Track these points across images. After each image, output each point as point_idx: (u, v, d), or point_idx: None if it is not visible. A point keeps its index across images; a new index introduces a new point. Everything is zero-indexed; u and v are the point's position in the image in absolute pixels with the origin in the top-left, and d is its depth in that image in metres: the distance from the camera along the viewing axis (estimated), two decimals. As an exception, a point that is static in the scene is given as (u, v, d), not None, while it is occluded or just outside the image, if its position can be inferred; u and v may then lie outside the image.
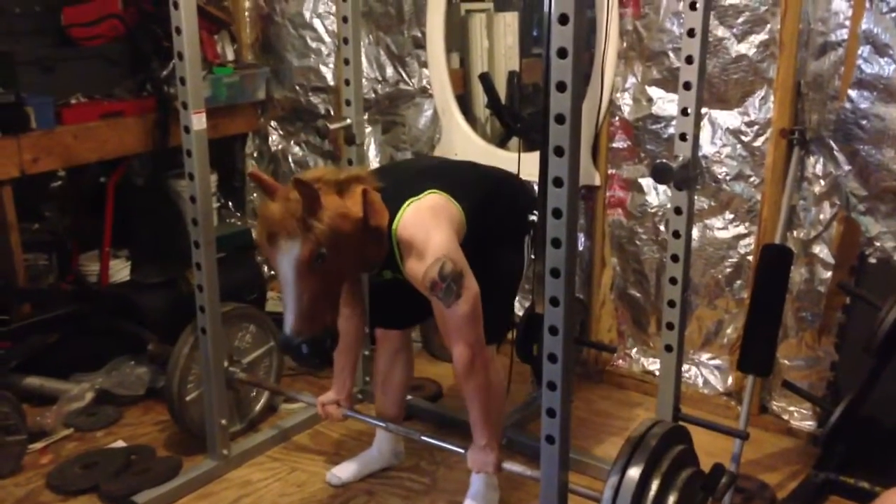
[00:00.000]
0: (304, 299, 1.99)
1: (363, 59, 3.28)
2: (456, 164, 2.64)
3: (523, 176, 2.51)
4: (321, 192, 2.01)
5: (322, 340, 2.05)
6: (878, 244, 2.67)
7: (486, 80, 3.46)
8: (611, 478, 1.74)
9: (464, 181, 2.31)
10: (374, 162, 3.67)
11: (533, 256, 2.42)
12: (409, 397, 3.06)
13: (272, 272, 4.10)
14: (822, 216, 2.77)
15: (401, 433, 2.60)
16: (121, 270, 3.61)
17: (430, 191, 2.18)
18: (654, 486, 1.73)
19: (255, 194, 4.14)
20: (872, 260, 2.68)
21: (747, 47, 2.77)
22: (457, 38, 3.51)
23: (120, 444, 2.89)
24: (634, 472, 1.72)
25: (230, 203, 4.21)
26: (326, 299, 2.04)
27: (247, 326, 2.96)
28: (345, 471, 2.69)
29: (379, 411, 2.69)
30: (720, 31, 2.79)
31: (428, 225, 2.11)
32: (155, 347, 3.06)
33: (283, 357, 3.11)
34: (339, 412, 2.56)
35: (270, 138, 4.07)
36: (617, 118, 3.08)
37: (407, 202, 2.14)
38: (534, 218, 2.41)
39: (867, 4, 2.53)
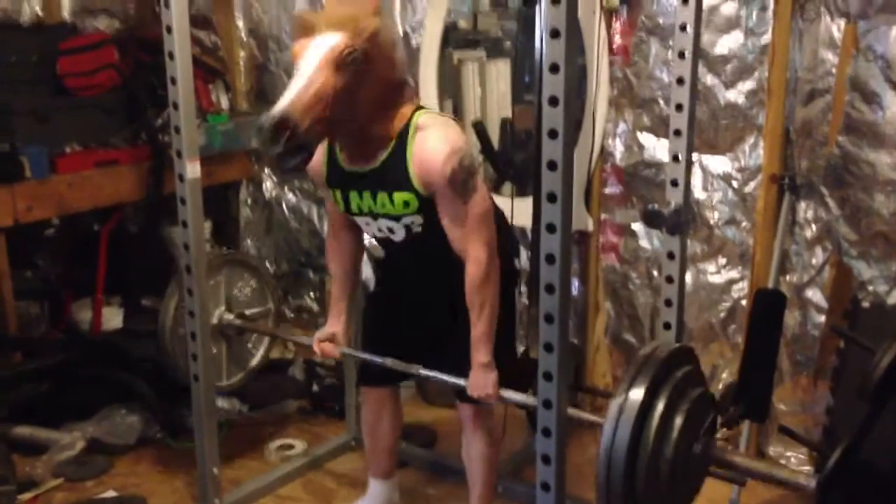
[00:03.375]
0: (311, 90, 1.89)
1: (357, 106, 3.30)
2: None
3: (517, 222, 2.52)
4: None
5: (298, 145, 1.88)
6: (870, 288, 2.68)
7: (479, 127, 3.49)
8: (615, 399, 1.66)
9: None
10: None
11: (525, 301, 2.39)
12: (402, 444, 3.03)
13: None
14: (814, 260, 2.78)
15: (399, 368, 2.32)
16: (113, 318, 3.59)
17: None
18: (661, 404, 1.65)
19: (248, 240, 4.14)
20: (865, 304, 2.68)
21: (736, 94, 2.81)
22: (450, 85, 3.54)
23: (111, 493, 2.85)
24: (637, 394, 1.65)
25: (224, 250, 4.21)
26: (326, 107, 1.91)
27: (247, 278, 2.92)
28: (338, 521, 2.65)
29: (369, 463, 2.66)
30: (709, 79, 2.82)
31: (446, 126, 2.12)
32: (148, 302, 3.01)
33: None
34: (335, 350, 2.44)
35: (264, 185, 4.08)
36: (609, 164, 3.10)
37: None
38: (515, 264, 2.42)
39: (853, 52, 2.57)
